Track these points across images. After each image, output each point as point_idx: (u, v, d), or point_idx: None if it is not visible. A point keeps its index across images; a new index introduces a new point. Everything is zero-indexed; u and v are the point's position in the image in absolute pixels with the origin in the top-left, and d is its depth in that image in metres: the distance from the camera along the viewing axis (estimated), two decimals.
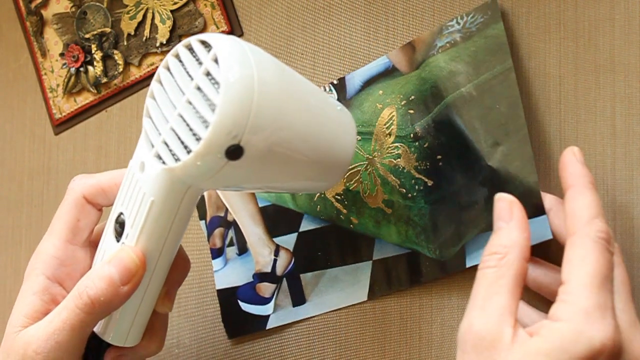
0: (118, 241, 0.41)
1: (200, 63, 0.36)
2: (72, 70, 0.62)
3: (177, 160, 0.36)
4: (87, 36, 0.61)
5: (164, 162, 0.37)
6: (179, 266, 0.44)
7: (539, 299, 0.44)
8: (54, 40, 0.63)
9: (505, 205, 0.39)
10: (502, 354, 0.34)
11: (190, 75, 0.37)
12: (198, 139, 0.35)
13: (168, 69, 0.38)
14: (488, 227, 0.44)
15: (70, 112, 0.63)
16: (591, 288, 0.34)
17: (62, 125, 0.64)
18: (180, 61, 0.37)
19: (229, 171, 0.36)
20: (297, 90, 0.39)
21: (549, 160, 0.46)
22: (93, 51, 0.61)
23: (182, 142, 0.36)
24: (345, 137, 0.42)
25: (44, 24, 0.64)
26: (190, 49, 0.37)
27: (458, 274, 0.48)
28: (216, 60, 0.35)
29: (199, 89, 0.35)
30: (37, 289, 0.42)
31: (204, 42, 0.37)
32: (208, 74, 0.35)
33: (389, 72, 0.50)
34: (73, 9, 0.62)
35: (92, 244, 0.45)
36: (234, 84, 0.34)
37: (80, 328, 0.39)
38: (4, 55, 0.67)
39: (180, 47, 0.37)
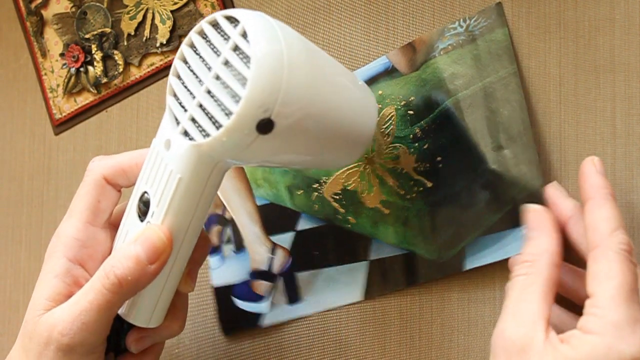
0: (142, 220, 0.40)
1: (227, 38, 0.36)
2: (72, 70, 0.62)
3: (206, 136, 0.36)
4: (87, 36, 0.61)
5: (191, 139, 0.37)
6: (200, 245, 0.43)
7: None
8: (54, 41, 0.63)
9: (534, 215, 0.40)
10: (533, 358, 0.35)
11: (216, 52, 0.36)
12: (228, 114, 0.35)
13: (192, 46, 0.38)
14: (489, 230, 0.44)
15: (70, 112, 0.63)
16: (619, 301, 0.34)
17: (62, 125, 0.64)
18: (205, 38, 0.37)
19: (258, 146, 0.36)
20: (324, 65, 0.39)
21: (548, 161, 0.46)
22: (93, 51, 0.61)
23: (211, 118, 0.36)
24: (368, 111, 0.43)
25: (44, 24, 0.64)
26: (214, 25, 0.37)
27: (459, 275, 0.48)
28: (244, 35, 0.35)
29: (227, 64, 0.36)
30: (59, 271, 0.42)
31: (229, 18, 0.37)
32: (236, 48, 0.35)
33: (389, 73, 0.50)
34: (73, 9, 0.62)
35: (112, 225, 0.44)
36: (265, 57, 0.34)
37: (107, 309, 0.39)
38: (4, 55, 0.67)
39: (204, 24, 0.37)
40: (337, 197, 0.51)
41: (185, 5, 0.57)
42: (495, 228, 0.44)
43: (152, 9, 0.59)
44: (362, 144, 0.43)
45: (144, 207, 0.40)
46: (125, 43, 0.60)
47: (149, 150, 0.41)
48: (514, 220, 0.44)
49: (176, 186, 0.38)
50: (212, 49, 0.37)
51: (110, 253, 0.42)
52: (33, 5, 0.64)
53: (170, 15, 0.58)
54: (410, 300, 0.50)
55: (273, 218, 0.54)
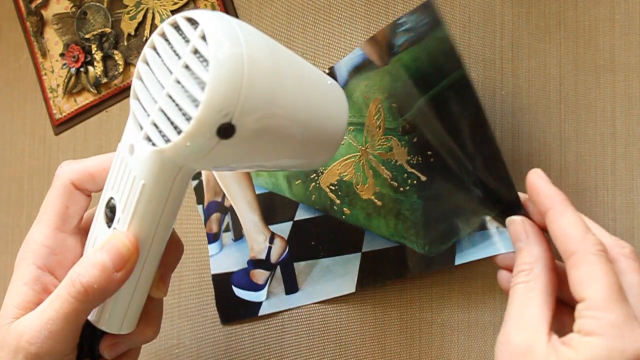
0: (109, 227, 0.40)
1: (188, 41, 0.35)
2: (72, 70, 0.62)
3: (167, 141, 0.35)
4: (87, 36, 0.61)
5: (153, 144, 0.36)
6: (172, 249, 0.43)
7: None
8: (54, 41, 0.63)
9: (518, 227, 0.41)
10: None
11: (177, 54, 0.36)
12: (188, 119, 0.34)
13: (154, 49, 0.37)
14: (481, 227, 0.44)
15: (71, 112, 0.63)
16: (612, 301, 0.35)
17: (62, 125, 0.64)
18: (167, 40, 0.36)
19: (221, 150, 0.35)
20: (289, 66, 0.38)
21: (549, 161, 0.46)
22: (93, 51, 0.61)
23: (172, 123, 0.35)
24: (337, 113, 0.41)
25: (44, 24, 0.64)
26: (176, 27, 0.36)
27: (459, 275, 0.48)
28: (204, 38, 0.34)
29: (187, 67, 0.35)
30: (27, 278, 0.41)
31: (190, 20, 0.35)
32: (196, 51, 0.34)
33: (367, 64, 0.49)
34: (73, 9, 0.62)
35: (82, 230, 0.44)
36: (224, 60, 0.33)
37: (74, 317, 0.39)
38: (4, 55, 0.67)
39: (165, 26, 0.36)
40: (334, 187, 0.51)
41: (185, 5, 0.57)
42: (486, 225, 0.44)
43: (152, 9, 0.59)
44: (331, 146, 0.42)
45: (110, 213, 0.40)
46: (125, 43, 0.60)
47: (114, 155, 0.40)
48: (502, 220, 0.44)
49: (140, 192, 0.38)
50: (174, 51, 0.36)
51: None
52: (33, 5, 0.64)
53: (170, 15, 0.58)
54: (410, 300, 0.50)
55: (272, 207, 0.54)
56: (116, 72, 0.60)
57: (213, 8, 0.57)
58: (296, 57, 0.40)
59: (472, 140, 0.44)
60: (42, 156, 0.65)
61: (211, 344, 0.56)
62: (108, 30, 0.60)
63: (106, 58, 0.61)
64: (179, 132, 0.34)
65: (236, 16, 0.56)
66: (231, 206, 0.55)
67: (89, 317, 0.41)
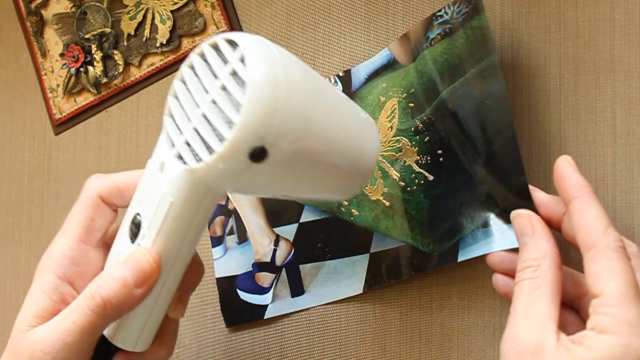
0: (133, 242, 0.40)
1: (226, 62, 0.35)
2: (72, 70, 0.62)
3: (199, 161, 0.35)
4: (87, 36, 0.61)
5: (185, 163, 0.36)
6: (193, 270, 0.43)
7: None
8: (54, 41, 0.63)
9: (525, 221, 0.40)
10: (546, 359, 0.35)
11: (215, 75, 0.36)
12: (222, 140, 0.34)
13: (192, 68, 0.37)
14: (485, 224, 0.44)
15: (70, 112, 0.63)
16: (629, 299, 0.34)
17: (62, 125, 0.64)
18: (205, 60, 0.37)
19: (252, 174, 0.35)
20: (324, 94, 0.38)
21: (549, 161, 0.46)
22: (93, 51, 0.61)
23: (205, 143, 0.35)
24: (369, 145, 0.41)
25: (44, 24, 0.64)
26: (215, 47, 0.36)
27: (459, 274, 0.48)
28: (243, 60, 0.34)
29: (224, 88, 0.35)
30: (46, 287, 0.41)
31: (230, 41, 0.36)
32: (234, 73, 0.35)
33: (391, 65, 0.50)
34: (73, 9, 0.62)
35: (106, 244, 0.44)
36: (261, 84, 0.34)
37: (90, 330, 0.39)
38: (4, 55, 0.67)
39: (205, 46, 0.37)
40: None
41: (185, 5, 0.57)
42: (489, 222, 0.44)
43: (152, 9, 0.59)
44: (362, 177, 0.42)
45: (135, 229, 0.40)
46: (125, 43, 0.60)
47: (144, 171, 0.41)
48: (507, 216, 0.44)
49: (167, 210, 0.38)
50: (211, 71, 0.36)
51: None
52: (33, 5, 0.64)
53: (170, 15, 0.58)
54: (411, 300, 0.50)
55: (276, 209, 0.54)
56: (116, 72, 0.60)
57: (213, 8, 0.57)
58: (331, 87, 0.40)
59: (490, 127, 0.44)
60: (42, 156, 0.65)
61: (211, 344, 0.56)
62: (108, 30, 0.60)
63: (106, 58, 0.61)
64: (212, 153, 0.34)
65: (236, 16, 0.56)
66: (235, 209, 0.55)
67: (104, 332, 0.41)
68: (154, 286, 0.39)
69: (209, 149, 0.35)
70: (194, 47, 0.57)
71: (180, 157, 0.36)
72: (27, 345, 0.40)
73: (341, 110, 0.39)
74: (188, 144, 0.36)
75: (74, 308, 0.39)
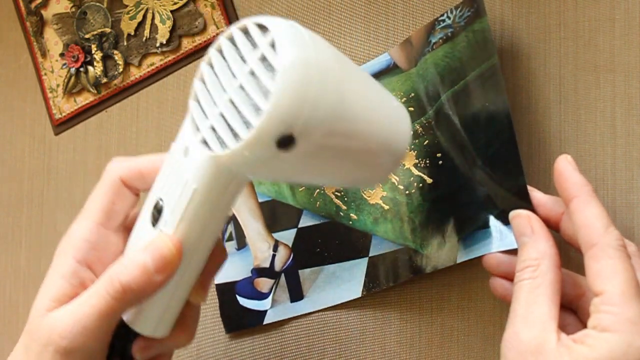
0: (155, 227, 0.39)
1: (256, 47, 0.34)
2: (72, 70, 0.62)
3: (224, 147, 0.34)
4: (87, 36, 0.61)
5: (210, 149, 0.35)
6: (215, 256, 0.42)
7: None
8: (54, 41, 0.63)
9: (524, 221, 0.40)
10: (548, 359, 0.35)
11: (244, 60, 0.35)
12: (249, 126, 0.33)
13: (220, 52, 0.36)
14: (484, 225, 0.44)
15: (70, 112, 0.63)
16: (630, 297, 0.34)
17: (62, 125, 0.64)
18: (234, 44, 0.35)
19: (278, 162, 0.34)
20: (356, 81, 0.37)
21: (549, 161, 0.46)
22: (93, 51, 0.61)
23: (232, 129, 0.34)
24: (401, 133, 0.40)
25: (44, 24, 0.64)
26: (245, 31, 0.35)
27: (459, 274, 0.48)
28: (273, 45, 0.33)
29: (252, 74, 0.34)
30: (65, 271, 0.40)
31: (260, 26, 0.34)
32: (264, 59, 0.33)
33: (390, 69, 0.50)
34: (73, 9, 0.62)
35: (127, 229, 0.43)
36: (291, 71, 0.32)
37: (108, 315, 0.38)
38: (4, 55, 0.67)
39: (234, 30, 0.35)
40: (339, 194, 0.51)
41: (185, 5, 0.57)
42: (488, 223, 0.44)
43: (152, 9, 0.59)
44: (391, 167, 0.41)
45: (157, 214, 0.39)
46: (125, 43, 0.60)
47: (167, 155, 0.40)
48: (506, 217, 0.44)
49: (191, 196, 0.37)
50: (240, 56, 0.35)
51: None
52: (33, 5, 0.64)
53: (170, 15, 0.58)
54: (410, 300, 0.50)
55: (275, 215, 0.54)
56: (116, 72, 0.60)
57: (213, 8, 0.57)
58: (364, 74, 0.39)
59: (490, 129, 0.44)
60: (42, 156, 0.65)
61: (211, 344, 0.56)
62: (108, 30, 0.60)
63: (106, 58, 0.61)
64: (238, 139, 0.33)
65: (236, 16, 0.56)
66: (234, 215, 0.55)
67: (124, 317, 0.41)
68: (174, 273, 0.38)
69: (235, 136, 0.34)
70: (194, 47, 0.57)
71: (205, 143, 0.35)
72: (44, 329, 0.39)
73: (373, 98, 0.38)
74: (214, 130, 0.35)
75: (93, 292, 0.38)
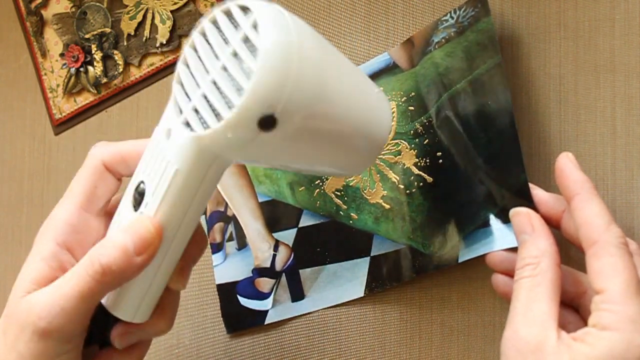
0: (136, 210, 0.39)
1: (238, 28, 0.35)
2: (72, 70, 0.62)
3: (206, 128, 0.35)
4: (87, 36, 0.61)
5: (192, 130, 0.35)
6: (196, 242, 0.42)
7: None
8: (54, 41, 0.63)
9: (524, 219, 0.40)
10: (548, 357, 0.34)
11: (226, 41, 0.35)
12: (231, 107, 0.33)
13: (204, 35, 0.36)
14: (485, 224, 0.44)
15: (70, 112, 0.63)
16: (631, 295, 0.34)
17: (62, 125, 0.64)
18: (217, 27, 0.36)
19: (260, 144, 0.34)
20: (337, 65, 0.37)
21: (549, 160, 0.46)
22: (93, 51, 0.61)
23: (214, 110, 0.34)
24: (382, 120, 0.41)
25: (44, 24, 0.64)
26: (227, 13, 0.36)
27: (459, 274, 0.48)
28: (255, 26, 0.34)
29: (235, 55, 0.34)
30: (45, 254, 0.40)
31: (243, 7, 0.35)
32: (246, 40, 0.34)
33: (390, 69, 0.50)
34: (73, 9, 0.62)
35: (108, 214, 0.43)
36: (273, 50, 0.33)
37: (88, 296, 0.37)
38: (4, 55, 0.67)
39: (217, 12, 0.36)
40: (339, 193, 0.51)
41: (185, 5, 0.57)
42: (489, 222, 0.44)
43: (152, 9, 0.59)
44: (373, 153, 0.41)
45: (138, 197, 0.39)
46: (125, 43, 0.60)
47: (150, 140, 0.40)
48: (506, 215, 0.44)
49: (172, 178, 0.37)
50: (223, 38, 0.35)
51: None
52: (33, 5, 0.64)
53: (170, 15, 0.58)
54: (410, 300, 0.50)
55: (275, 215, 0.54)
56: (116, 72, 0.60)
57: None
58: (346, 60, 0.39)
59: (492, 128, 0.44)
60: (42, 156, 0.65)
61: (211, 344, 0.56)
62: (108, 30, 0.60)
63: (106, 58, 0.61)
64: (220, 119, 0.34)
65: None
66: (234, 215, 0.55)
67: (103, 302, 0.41)
68: (155, 255, 0.38)
69: (217, 116, 0.34)
70: None
71: (187, 124, 0.36)
72: (22, 310, 0.38)
73: (355, 83, 0.39)
74: (196, 111, 0.35)
75: (73, 274, 0.38)
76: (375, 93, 0.41)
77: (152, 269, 0.39)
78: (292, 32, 0.34)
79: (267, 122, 0.33)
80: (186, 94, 0.36)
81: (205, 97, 0.35)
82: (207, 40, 0.36)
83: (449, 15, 0.47)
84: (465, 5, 0.46)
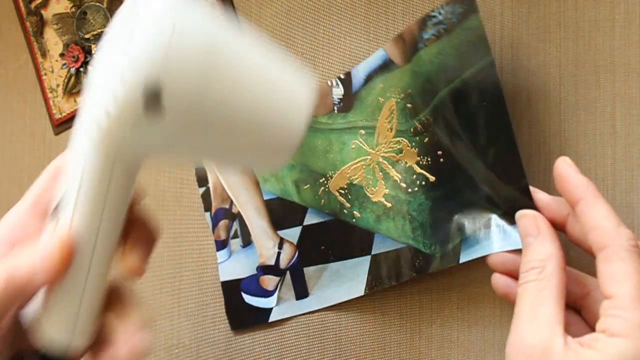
0: (54, 218, 0.38)
1: (135, 7, 0.34)
2: (72, 70, 0.62)
3: (99, 124, 0.34)
4: (87, 36, 0.61)
5: (88, 128, 0.35)
6: (144, 236, 0.40)
7: None
8: (54, 41, 0.63)
9: (530, 221, 0.40)
10: None
11: (124, 26, 0.34)
12: (116, 96, 0.33)
13: (110, 28, 0.36)
14: (486, 225, 0.44)
15: (70, 112, 0.63)
16: None
17: (62, 125, 0.64)
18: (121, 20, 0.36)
19: (153, 131, 0.33)
20: (239, 46, 0.35)
21: (549, 161, 0.46)
22: (93, 51, 0.61)
23: (104, 106, 0.34)
24: (295, 112, 0.37)
25: (44, 24, 0.64)
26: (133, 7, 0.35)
27: (459, 275, 0.48)
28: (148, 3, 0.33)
29: (130, 35, 0.33)
30: None
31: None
32: (139, 17, 0.33)
33: (387, 65, 0.50)
34: (73, 9, 0.62)
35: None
36: (156, 15, 0.32)
37: None
38: (4, 55, 0.67)
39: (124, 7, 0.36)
40: (343, 191, 0.51)
41: None
42: (491, 223, 0.44)
43: None
44: (285, 150, 0.38)
45: (57, 206, 0.38)
46: None
47: None
48: (508, 217, 0.44)
49: (79, 182, 0.36)
50: (122, 28, 0.35)
51: None
52: (33, 5, 0.64)
53: None
54: (410, 300, 0.49)
55: (280, 212, 0.54)
56: None
57: (212, 7, 0.57)
58: (256, 44, 0.37)
59: (487, 130, 0.44)
60: (42, 156, 0.65)
61: (211, 344, 0.56)
62: None
63: None
64: (108, 111, 0.33)
65: (236, 17, 0.56)
66: (239, 212, 0.55)
67: (37, 343, 0.38)
68: (63, 270, 0.36)
69: (105, 108, 0.34)
70: None
71: (87, 127, 0.35)
72: None
73: (260, 69, 0.36)
74: (90, 111, 0.35)
75: None
76: (292, 83, 0.38)
77: (78, 283, 0.37)
78: (181, 4, 0.33)
79: (152, 100, 0.32)
80: (88, 98, 0.36)
81: (97, 95, 0.34)
82: (109, 37, 0.36)
83: (436, 11, 0.46)
84: (452, 2, 0.46)
